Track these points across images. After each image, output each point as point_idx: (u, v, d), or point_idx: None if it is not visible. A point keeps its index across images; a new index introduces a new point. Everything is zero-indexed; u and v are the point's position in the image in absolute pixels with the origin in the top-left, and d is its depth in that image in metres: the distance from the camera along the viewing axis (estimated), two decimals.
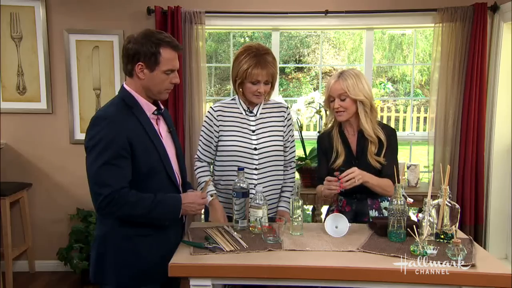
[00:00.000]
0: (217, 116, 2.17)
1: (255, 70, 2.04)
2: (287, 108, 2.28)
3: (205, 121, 2.21)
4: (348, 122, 2.12)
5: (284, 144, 2.23)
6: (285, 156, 2.25)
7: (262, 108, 2.21)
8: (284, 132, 2.23)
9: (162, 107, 1.81)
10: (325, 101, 2.15)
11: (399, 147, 2.19)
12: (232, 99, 2.23)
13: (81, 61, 3.40)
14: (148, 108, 1.73)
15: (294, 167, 2.31)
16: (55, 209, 3.50)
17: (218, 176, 2.21)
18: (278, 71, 3.58)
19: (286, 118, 2.25)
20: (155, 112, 1.76)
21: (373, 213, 2.10)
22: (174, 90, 3.27)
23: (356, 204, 2.12)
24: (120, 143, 1.60)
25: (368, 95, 2.04)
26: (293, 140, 2.30)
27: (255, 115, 2.19)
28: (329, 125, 2.21)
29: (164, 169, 1.72)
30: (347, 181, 1.91)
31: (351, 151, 2.11)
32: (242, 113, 2.19)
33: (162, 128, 1.80)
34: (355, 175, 1.92)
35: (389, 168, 2.04)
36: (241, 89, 2.14)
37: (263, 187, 2.10)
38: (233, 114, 2.19)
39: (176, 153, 1.83)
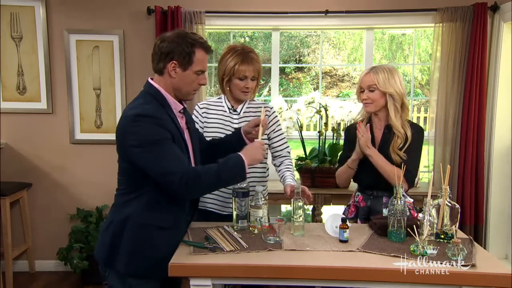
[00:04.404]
0: (202, 113, 2.25)
1: (242, 66, 2.11)
2: (271, 107, 2.31)
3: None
4: (377, 116, 2.17)
5: (269, 139, 2.26)
6: (274, 148, 2.28)
7: (246, 107, 2.25)
8: (267, 129, 2.25)
9: (185, 105, 1.85)
10: (356, 92, 2.20)
11: None
12: (218, 98, 2.30)
13: (81, 61, 3.40)
14: (175, 106, 1.76)
15: (287, 156, 2.29)
16: (55, 209, 3.50)
17: None
18: (278, 71, 3.60)
19: (269, 116, 2.26)
20: (181, 111, 1.80)
21: (386, 211, 2.08)
22: None
23: (372, 201, 2.17)
24: (167, 136, 1.65)
25: (400, 90, 2.07)
26: (281, 133, 2.30)
27: (239, 113, 2.23)
28: (359, 117, 2.27)
29: (190, 165, 1.78)
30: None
31: (374, 144, 2.15)
32: (226, 111, 2.24)
33: (183, 125, 1.84)
34: (366, 134, 2.05)
35: (405, 163, 1.99)
36: (228, 88, 2.19)
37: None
38: (218, 112, 2.25)
39: (192, 147, 1.86)
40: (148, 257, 1.71)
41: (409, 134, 2.09)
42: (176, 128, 1.72)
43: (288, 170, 2.23)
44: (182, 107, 1.80)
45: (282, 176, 2.22)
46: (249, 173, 2.17)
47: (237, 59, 2.12)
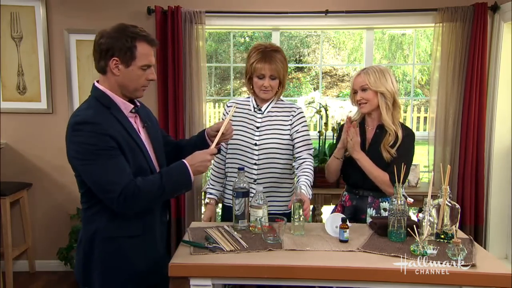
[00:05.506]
0: (229, 112, 2.24)
1: (259, 64, 2.10)
2: (298, 108, 2.25)
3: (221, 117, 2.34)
4: (370, 116, 2.18)
5: (292, 139, 2.19)
6: (295, 149, 2.19)
7: (272, 107, 2.23)
8: (290, 130, 2.20)
9: (138, 104, 1.74)
10: (350, 96, 2.22)
11: None
12: (247, 97, 2.31)
13: (81, 61, 3.40)
14: (125, 106, 1.65)
15: (307, 158, 2.16)
16: (55, 209, 3.50)
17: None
18: None
19: (294, 116, 2.21)
20: (133, 111, 1.68)
21: (370, 211, 2.13)
22: (174, 90, 3.28)
23: (357, 200, 2.18)
24: (109, 145, 1.54)
25: (391, 89, 2.09)
26: (304, 135, 2.20)
27: (263, 112, 2.22)
28: (355, 117, 2.28)
29: (149, 168, 1.67)
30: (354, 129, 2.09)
31: (365, 142, 2.17)
32: (251, 110, 2.24)
33: (139, 125, 1.73)
34: (355, 138, 2.06)
35: (392, 165, 2.00)
36: (251, 86, 2.20)
37: (262, 183, 2.13)
38: (244, 110, 2.25)
39: (153, 147, 1.75)
40: (123, 269, 1.63)
41: (399, 134, 2.09)
42: (125, 130, 1.60)
43: (304, 175, 2.09)
44: (133, 106, 1.67)
45: (298, 180, 2.13)
46: (270, 173, 2.19)
47: (257, 56, 2.11)
